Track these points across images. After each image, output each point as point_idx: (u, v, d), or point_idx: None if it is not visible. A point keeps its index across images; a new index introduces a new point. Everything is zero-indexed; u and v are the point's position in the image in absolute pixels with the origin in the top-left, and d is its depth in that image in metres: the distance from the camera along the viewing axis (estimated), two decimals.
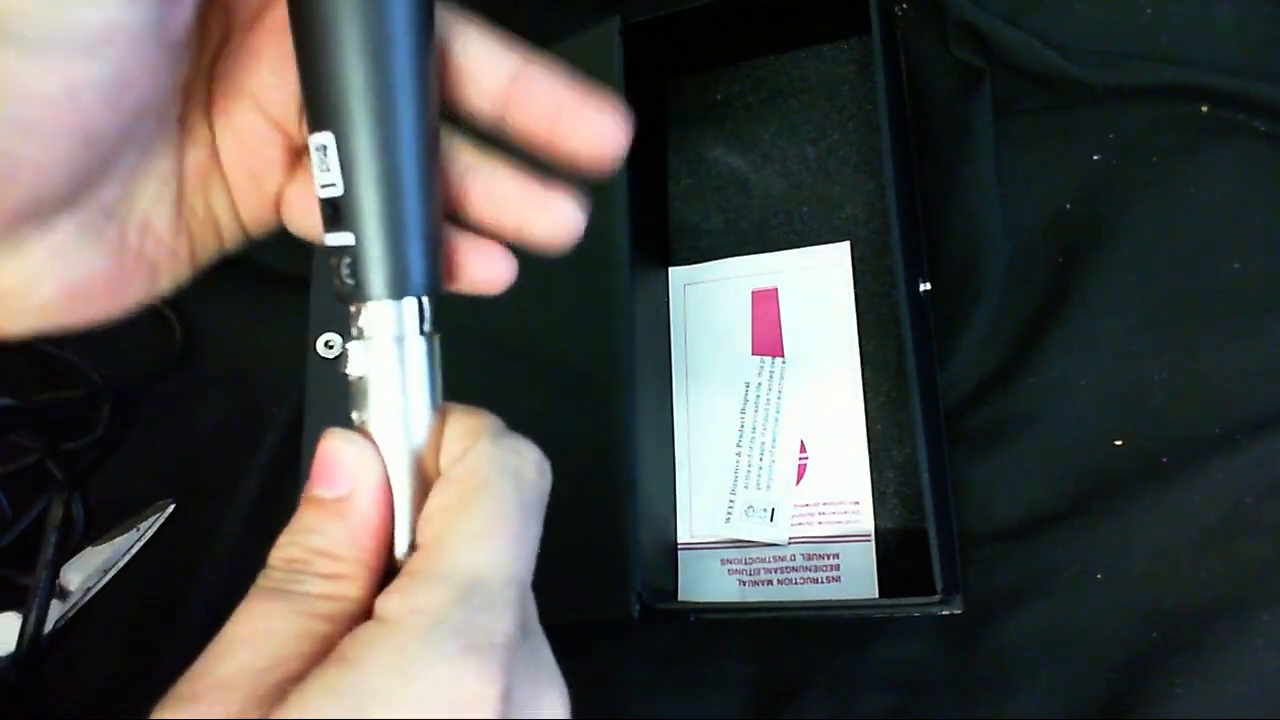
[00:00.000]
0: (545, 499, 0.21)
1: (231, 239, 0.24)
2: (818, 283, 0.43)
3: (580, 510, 0.40)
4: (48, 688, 0.50)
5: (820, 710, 0.39)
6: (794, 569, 0.40)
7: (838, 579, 0.39)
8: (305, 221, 0.24)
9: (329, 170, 0.20)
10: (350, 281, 0.21)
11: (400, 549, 0.21)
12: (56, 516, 0.44)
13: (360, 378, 0.21)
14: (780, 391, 0.42)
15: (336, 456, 0.21)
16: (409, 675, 0.18)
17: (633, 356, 0.40)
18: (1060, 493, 0.38)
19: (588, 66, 0.44)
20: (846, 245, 0.43)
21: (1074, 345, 0.39)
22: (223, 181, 0.24)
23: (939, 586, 0.34)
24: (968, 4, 0.43)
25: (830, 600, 0.39)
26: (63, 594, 0.49)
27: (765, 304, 0.43)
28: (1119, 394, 0.38)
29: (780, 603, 0.39)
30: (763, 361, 0.43)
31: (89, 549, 0.50)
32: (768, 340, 0.43)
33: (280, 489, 0.50)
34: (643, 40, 0.44)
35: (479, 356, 0.46)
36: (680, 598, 0.41)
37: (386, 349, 0.21)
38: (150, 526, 0.51)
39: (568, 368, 0.43)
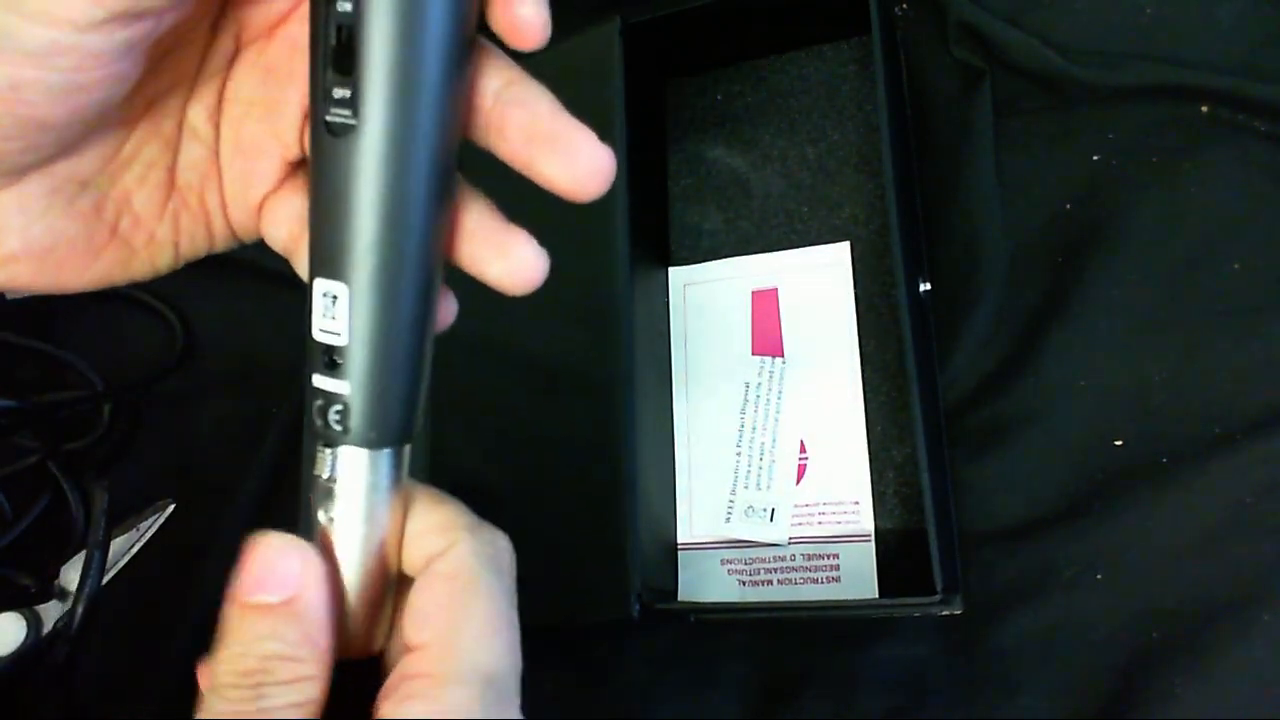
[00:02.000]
0: (514, 591, 0.22)
1: (221, 239, 0.25)
2: (818, 283, 0.43)
3: (580, 511, 0.40)
4: (47, 687, 0.50)
5: (820, 711, 0.39)
6: (794, 569, 0.40)
7: (838, 579, 0.39)
8: (278, 233, 0.24)
9: (335, 319, 0.20)
10: (338, 428, 0.21)
11: (377, 643, 0.22)
12: (102, 502, 0.44)
13: (329, 481, 0.21)
14: (780, 391, 0.42)
15: (277, 560, 0.21)
16: None
17: (633, 356, 0.40)
18: (1060, 493, 0.38)
19: (588, 66, 0.44)
20: (846, 245, 0.43)
21: (1074, 345, 0.39)
22: (218, 182, 0.24)
23: (939, 587, 0.34)
24: (968, 4, 0.43)
25: (830, 600, 0.39)
26: (62, 594, 0.49)
27: (765, 304, 0.43)
28: (1119, 394, 0.38)
29: (780, 603, 0.39)
30: (763, 361, 0.43)
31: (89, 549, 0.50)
32: (768, 340, 0.43)
33: (281, 489, 0.50)
34: (642, 40, 0.44)
35: (479, 356, 0.46)
36: (680, 598, 0.41)
37: (359, 488, 0.21)
38: (150, 526, 0.51)
39: (567, 368, 0.43)
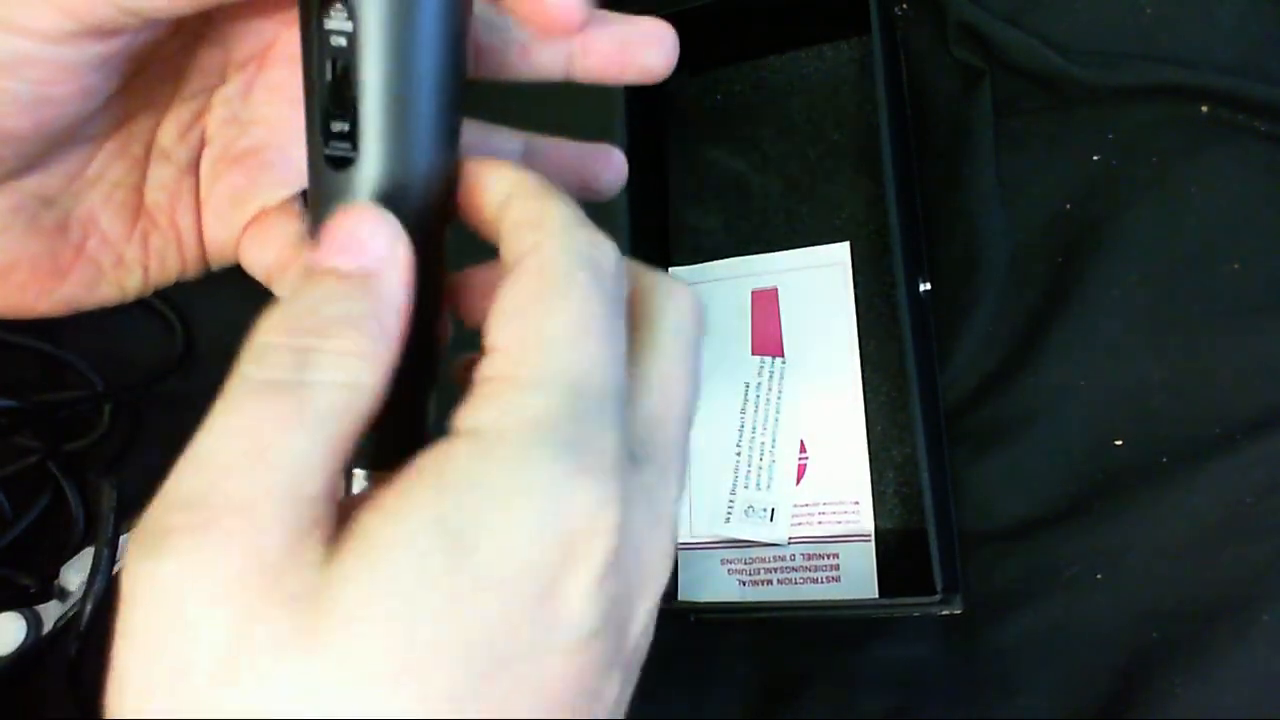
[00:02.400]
0: (625, 304, 0.18)
1: (193, 262, 0.24)
2: (818, 283, 0.43)
3: None
4: (47, 687, 0.50)
5: (820, 710, 0.39)
6: (794, 569, 0.40)
7: (837, 579, 0.39)
8: (263, 256, 0.23)
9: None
10: None
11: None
12: (110, 500, 0.44)
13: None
14: (780, 391, 0.42)
15: (365, 226, 0.18)
16: (519, 497, 0.15)
17: None
18: (1060, 493, 0.38)
19: None
20: (846, 245, 0.43)
21: (1074, 345, 0.39)
22: (194, 202, 0.23)
23: (939, 586, 0.34)
24: (967, 4, 0.43)
25: (830, 600, 0.39)
26: (62, 594, 0.49)
27: (765, 304, 0.43)
28: (1119, 394, 0.38)
29: (780, 603, 0.39)
30: (763, 361, 0.43)
31: (89, 549, 0.50)
32: (768, 340, 0.43)
33: None
34: None
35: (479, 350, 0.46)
36: (680, 597, 0.41)
37: None
38: None
39: None
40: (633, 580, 0.17)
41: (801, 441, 0.41)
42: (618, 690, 0.17)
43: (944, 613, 0.38)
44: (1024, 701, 0.37)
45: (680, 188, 0.47)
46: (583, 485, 0.15)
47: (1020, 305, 0.41)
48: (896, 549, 0.39)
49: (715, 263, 0.45)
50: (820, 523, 0.40)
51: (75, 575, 0.49)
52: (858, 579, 0.39)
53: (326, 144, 0.18)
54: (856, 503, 0.40)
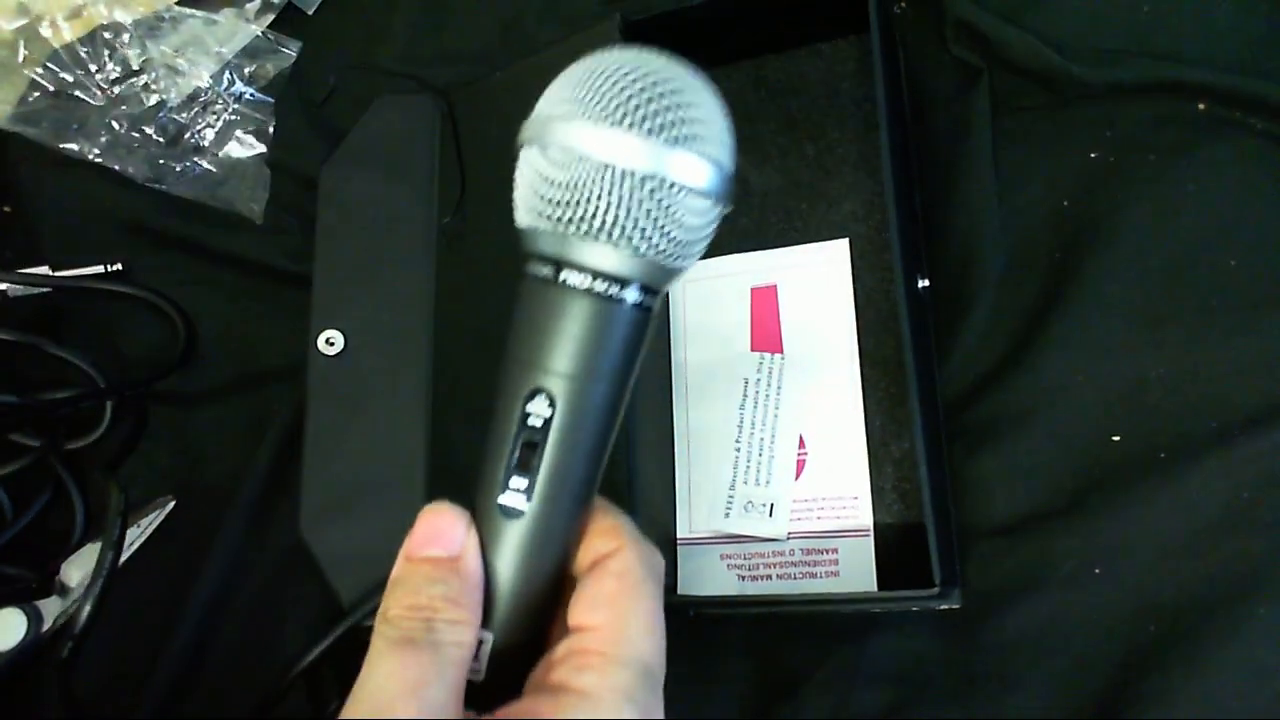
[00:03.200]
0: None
1: None
2: (817, 280, 0.43)
3: None
4: (48, 683, 0.50)
5: (819, 705, 0.39)
6: (793, 564, 0.40)
7: (836, 574, 0.39)
8: None
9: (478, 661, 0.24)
10: None
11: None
12: (118, 502, 0.44)
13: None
14: (779, 388, 0.42)
15: (447, 523, 0.23)
16: None
17: None
18: (1058, 488, 0.38)
19: None
20: (845, 242, 0.43)
21: (1072, 341, 0.39)
22: None
23: (937, 579, 0.34)
24: (966, 2, 0.43)
25: (829, 594, 0.39)
26: (63, 590, 0.50)
27: (765, 301, 0.43)
28: (1116, 390, 0.38)
29: (779, 596, 0.40)
30: (762, 358, 0.43)
31: (89, 546, 0.50)
32: (767, 337, 0.43)
33: (281, 486, 0.50)
34: (642, 38, 0.44)
35: (480, 352, 0.46)
36: (679, 592, 0.41)
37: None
38: (151, 523, 0.51)
39: None
40: None
41: (801, 437, 0.41)
42: None
43: (942, 607, 0.38)
44: (1022, 696, 0.37)
45: None
46: None
47: (1018, 301, 0.41)
48: (895, 544, 0.39)
49: (715, 259, 0.45)
50: (819, 518, 0.40)
51: (76, 571, 0.50)
52: (856, 574, 0.39)
53: (502, 493, 0.23)
54: (855, 498, 0.40)
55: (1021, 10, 0.43)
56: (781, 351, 0.43)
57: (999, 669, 0.37)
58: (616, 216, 0.21)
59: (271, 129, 0.55)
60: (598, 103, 0.20)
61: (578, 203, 0.21)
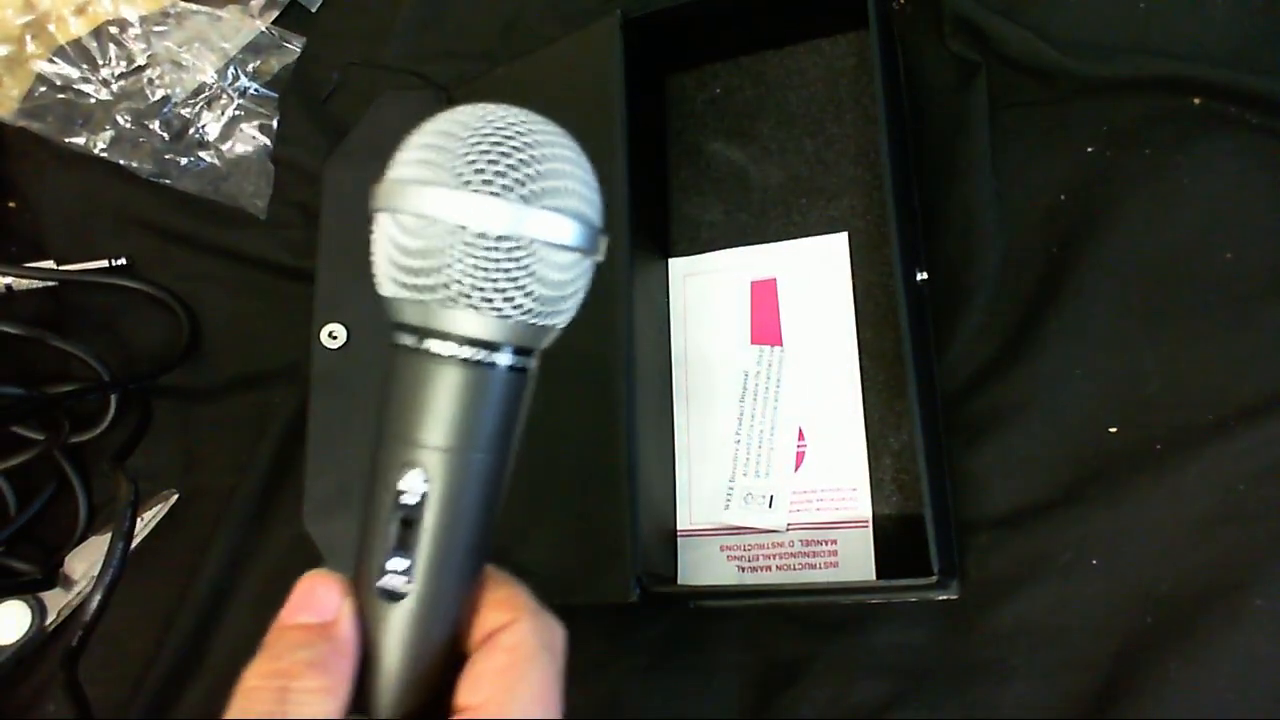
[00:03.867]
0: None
1: None
2: (816, 273, 0.43)
3: (581, 496, 0.41)
4: (50, 675, 0.50)
5: (817, 696, 0.39)
6: (792, 555, 0.40)
7: (836, 564, 0.40)
8: None
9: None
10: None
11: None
12: (128, 494, 0.44)
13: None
14: (779, 380, 0.42)
15: (322, 590, 0.23)
16: None
17: (633, 346, 0.41)
18: (1056, 480, 0.39)
19: (588, 61, 0.45)
20: (844, 236, 0.43)
21: (1069, 334, 0.40)
22: None
23: (935, 569, 0.35)
24: None
25: (829, 583, 0.39)
26: (66, 583, 0.50)
27: (764, 294, 0.44)
28: (1113, 382, 0.39)
29: (779, 585, 0.40)
30: (762, 351, 0.43)
31: (93, 538, 0.50)
32: (767, 330, 0.43)
33: (284, 479, 0.50)
34: (643, 35, 0.44)
35: None
36: (679, 584, 0.42)
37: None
38: (154, 517, 0.51)
39: (570, 357, 0.43)
40: None
41: (800, 429, 0.42)
42: None
43: (940, 598, 0.38)
44: (1020, 686, 0.37)
45: (680, 180, 0.47)
46: None
47: (1016, 295, 0.41)
48: (894, 535, 0.39)
49: (715, 254, 0.45)
50: (819, 509, 0.40)
51: (80, 564, 0.50)
52: (856, 565, 0.39)
53: (381, 576, 0.22)
54: (854, 489, 0.40)
55: (1019, 6, 0.43)
56: (781, 344, 0.43)
57: (997, 659, 0.37)
58: (475, 280, 0.20)
59: (275, 124, 0.56)
60: (448, 165, 0.20)
61: (435, 270, 0.20)
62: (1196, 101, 0.40)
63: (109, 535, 0.50)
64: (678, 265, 0.46)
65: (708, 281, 0.45)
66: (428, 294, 0.20)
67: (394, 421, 0.21)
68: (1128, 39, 0.41)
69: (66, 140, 0.56)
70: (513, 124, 0.20)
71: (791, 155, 0.45)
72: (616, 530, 0.38)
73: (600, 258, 0.22)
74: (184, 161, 0.56)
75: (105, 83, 0.56)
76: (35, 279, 0.56)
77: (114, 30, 0.57)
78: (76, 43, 0.57)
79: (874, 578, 0.39)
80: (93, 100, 0.57)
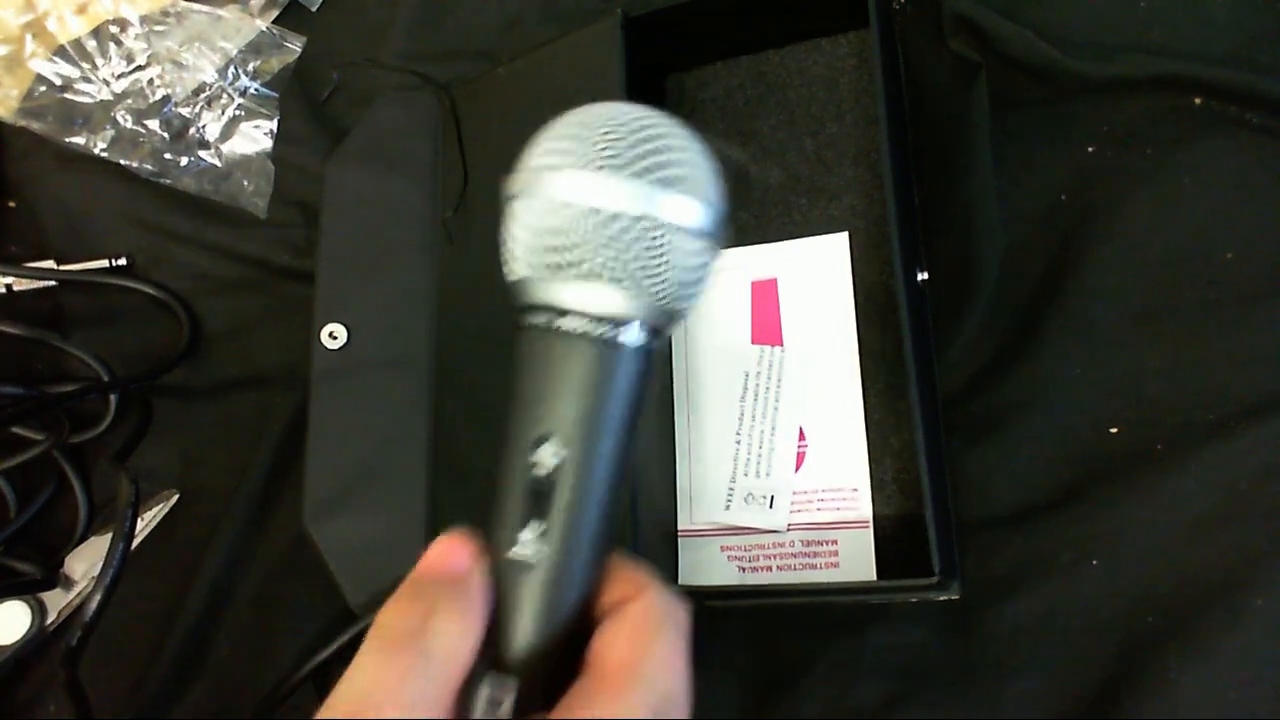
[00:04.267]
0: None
1: None
2: (817, 273, 0.43)
3: None
4: (50, 676, 0.50)
5: (818, 697, 0.39)
6: (793, 555, 0.40)
7: (836, 565, 0.40)
8: None
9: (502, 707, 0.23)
10: None
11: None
12: (129, 494, 0.44)
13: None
14: (780, 380, 0.42)
15: (458, 547, 0.23)
16: None
17: None
18: (1056, 480, 0.39)
19: (589, 61, 0.45)
20: (845, 236, 0.43)
21: (1070, 334, 0.40)
22: None
23: (936, 570, 0.35)
24: None
25: (829, 584, 0.39)
26: (66, 583, 0.50)
27: (765, 294, 0.44)
28: (1114, 382, 0.39)
29: (780, 586, 0.40)
30: (762, 351, 0.43)
31: (93, 539, 0.50)
32: (767, 330, 0.43)
33: (284, 479, 0.50)
34: (643, 34, 0.44)
35: (482, 346, 0.46)
36: (679, 584, 0.41)
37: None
38: (155, 517, 0.51)
39: None
40: None
41: (801, 429, 0.42)
42: None
43: (941, 598, 0.38)
44: (1021, 686, 0.37)
45: None
46: None
47: (1017, 294, 0.41)
48: (895, 535, 0.39)
49: None
50: (819, 510, 0.40)
51: (80, 564, 0.50)
52: (856, 565, 0.39)
53: (513, 545, 0.23)
54: (855, 490, 0.40)
55: (1019, 5, 0.43)
56: (782, 344, 0.43)
57: (998, 659, 0.37)
58: (607, 259, 0.21)
59: (275, 124, 0.56)
60: (585, 152, 0.21)
61: (572, 247, 0.21)
62: (1197, 101, 0.40)
63: (109, 535, 0.51)
64: None
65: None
66: (563, 271, 0.21)
67: (525, 397, 0.22)
68: (1128, 38, 0.41)
69: (66, 140, 0.56)
70: (650, 118, 0.22)
71: (792, 155, 0.45)
72: (617, 531, 0.38)
73: (723, 247, 0.23)
74: (184, 161, 0.56)
75: (105, 82, 0.56)
76: (35, 279, 0.56)
77: (114, 30, 0.57)
78: (76, 43, 0.57)
79: (874, 578, 0.39)
80: (93, 100, 0.57)
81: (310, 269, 0.50)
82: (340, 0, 0.57)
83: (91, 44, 0.56)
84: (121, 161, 0.56)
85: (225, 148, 0.56)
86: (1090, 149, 0.41)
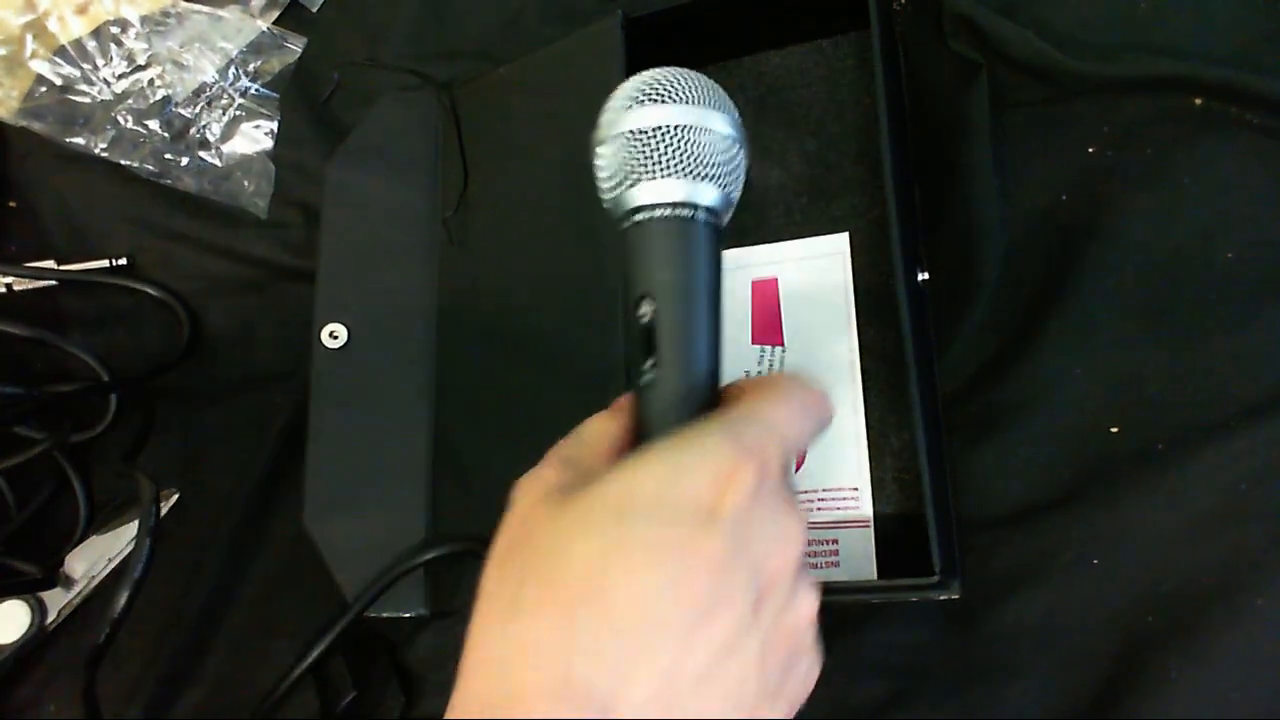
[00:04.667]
0: (824, 424, 0.30)
1: None
2: (817, 273, 0.43)
3: None
4: (51, 674, 0.50)
5: (819, 696, 0.39)
6: None
7: (836, 564, 0.40)
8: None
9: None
10: None
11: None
12: (149, 494, 0.45)
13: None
14: None
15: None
16: (689, 448, 0.25)
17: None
18: (1057, 479, 0.39)
19: (589, 61, 0.45)
20: (845, 236, 0.43)
21: (1070, 334, 0.40)
22: None
23: (937, 569, 0.35)
24: None
25: (830, 583, 0.39)
26: (67, 583, 0.50)
27: (765, 294, 0.44)
28: (1115, 382, 0.39)
29: None
30: (762, 351, 0.43)
31: (93, 538, 0.50)
32: (767, 330, 0.43)
33: (285, 478, 0.50)
34: (644, 34, 0.44)
35: (483, 345, 0.47)
36: None
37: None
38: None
39: (570, 356, 0.43)
40: None
41: None
42: None
43: (942, 597, 0.38)
44: (1021, 685, 0.37)
45: None
46: (731, 452, 0.25)
47: (1017, 294, 0.41)
48: (895, 535, 0.39)
49: None
50: (820, 509, 0.40)
51: (80, 564, 0.50)
52: (857, 564, 0.39)
53: (640, 379, 0.28)
54: (855, 489, 0.40)
55: (1019, 5, 0.43)
56: (782, 344, 0.43)
57: (998, 659, 0.37)
58: (679, 156, 0.28)
59: (276, 124, 0.56)
60: (648, 94, 0.29)
61: (652, 155, 0.28)
62: (1198, 101, 0.40)
63: (109, 535, 0.51)
64: None
65: None
66: (654, 168, 0.28)
67: (629, 274, 0.28)
68: (1129, 39, 0.41)
69: (67, 140, 0.56)
70: (687, 73, 0.29)
71: (793, 155, 0.45)
72: None
73: (745, 146, 0.30)
74: (184, 161, 0.56)
75: (106, 83, 0.57)
76: (35, 279, 0.56)
77: (114, 30, 0.57)
78: (77, 43, 0.57)
79: (875, 577, 0.39)
80: (93, 100, 0.57)
81: (310, 269, 0.50)
82: (341, 0, 0.57)
83: (92, 44, 0.56)
84: (122, 162, 0.56)
85: (226, 148, 0.56)
86: (1090, 149, 0.41)
